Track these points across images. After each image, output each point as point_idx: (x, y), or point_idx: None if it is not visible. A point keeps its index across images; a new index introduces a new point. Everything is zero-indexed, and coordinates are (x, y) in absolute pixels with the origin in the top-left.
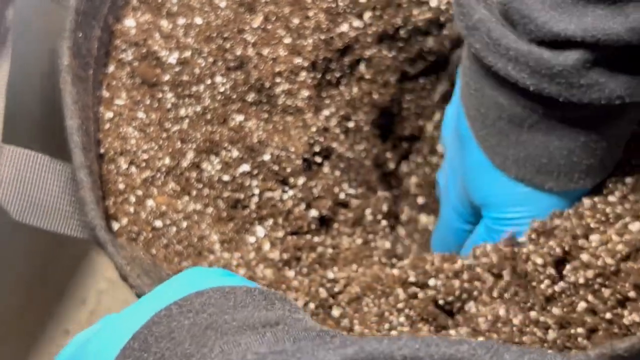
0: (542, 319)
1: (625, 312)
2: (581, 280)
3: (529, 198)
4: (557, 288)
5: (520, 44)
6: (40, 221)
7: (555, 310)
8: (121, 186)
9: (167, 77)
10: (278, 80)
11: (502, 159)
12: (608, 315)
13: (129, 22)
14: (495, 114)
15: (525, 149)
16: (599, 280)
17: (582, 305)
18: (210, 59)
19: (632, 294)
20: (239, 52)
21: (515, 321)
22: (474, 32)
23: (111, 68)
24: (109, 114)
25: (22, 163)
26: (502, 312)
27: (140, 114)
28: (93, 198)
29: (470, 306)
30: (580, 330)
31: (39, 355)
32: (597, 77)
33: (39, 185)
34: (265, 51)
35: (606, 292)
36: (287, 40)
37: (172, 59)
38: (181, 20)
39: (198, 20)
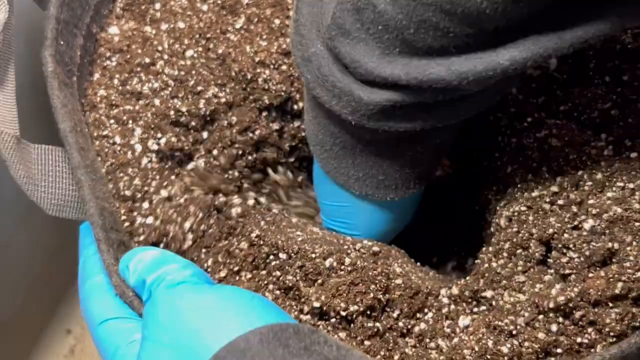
0: None
1: None
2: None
3: (364, 207)
4: None
5: (345, 84)
6: (73, 213)
7: None
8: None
9: (154, 82)
10: (259, 70)
11: (345, 178)
12: None
13: (113, 30)
14: (330, 140)
15: (362, 169)
16: None
17: None
18: (196, 60)
19: None
20: (221, 50)
21: None
22: (308, 64)
23: (96, 75)
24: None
25: (51, 159)
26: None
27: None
28: (92, 196)
29: None
30: None
31: (39, 355)
32: (407, 114)
33: (67, 179)
34: (248, 48)
35: None
36: (270, 38)
37: (159, 65)
38: (164, 26)
39: (181, 25)
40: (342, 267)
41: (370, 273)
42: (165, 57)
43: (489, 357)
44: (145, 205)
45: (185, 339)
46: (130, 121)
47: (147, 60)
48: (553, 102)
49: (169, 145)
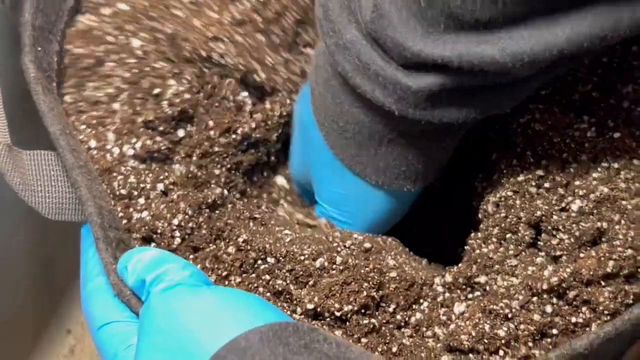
0: None
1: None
2: None
3: (374, 196)
4: None
5: (389, 71)
6: (73, 215)
7: None
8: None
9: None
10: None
11: (362, 167)
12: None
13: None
14: (355, 129)
15: (385, 160)
16: None
17: None
18: (146, 48)
19: None
20: (169, 30)
21: None
22: (345, 51)
23: (68, 82)
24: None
25: (43, 164)
26: None
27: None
28: (89, 195)
29: None
30: None
31: (39, 355)
32: (454, 101)
33: (63, 182)
34: (197, 22)
35: None
36: (221, 7)
37: (107, 67)
38: (106, 10)
39: (122, 6)
40: (334, 266)
41: (363, 271)
42: (113, 56)
43: (486, 341)
44: (142, 201)
45: (181, 340)
46: (100, 127)
47: (93, 61)
48: None
49: (145, 149)
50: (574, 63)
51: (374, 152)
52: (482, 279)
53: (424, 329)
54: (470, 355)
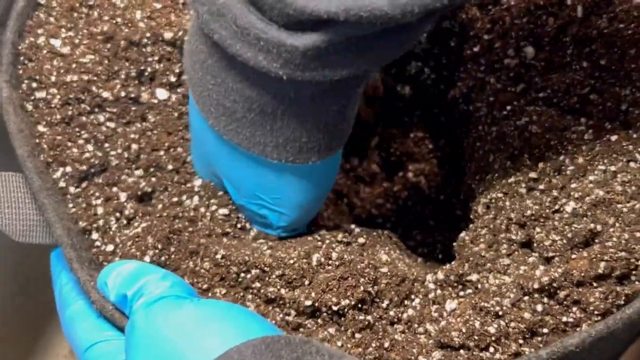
0: None
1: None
2: None
3: (284, 178)
4: None
5: (271, 33)
6: (41, 238)
7: None
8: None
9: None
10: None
11: (261, 147)
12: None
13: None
14: (244, 107)
15: (283, 134)
16: None
17: None
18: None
19: None
20: (106, 27)
21: None
22: (219, 18)
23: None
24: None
25: (14, 186)
26: None
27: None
28: (57, 218)
29: None
30: None
31: (39, 355)
32: (343, 55)
33: (31, 204)
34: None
35: None
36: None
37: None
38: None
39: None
40: (330, 262)
41: (359, 266)
42: (48, 78)
43: (476, 337)
44: (100, 234)
45: (168, 358)
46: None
47: (34, 78)
48: (532, 90)
49: (74, 169)
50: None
51: (270, 128)
52: (474, 276)
53: (416, 325)
54: (461, 351)
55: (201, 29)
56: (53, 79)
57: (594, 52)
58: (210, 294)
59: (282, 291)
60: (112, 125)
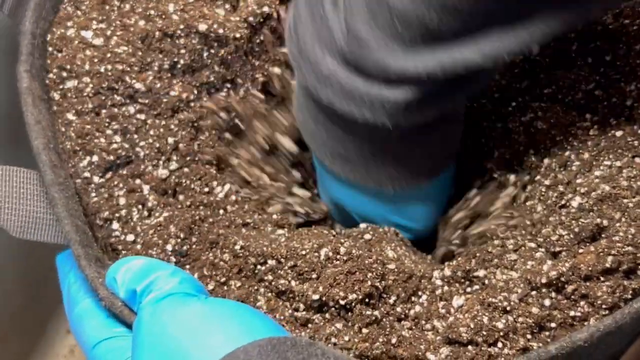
0: None
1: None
2: None
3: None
4: None
5: (374, 91)
6: (39, 235)
7: None
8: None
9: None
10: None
11: (376, 180)
12: None
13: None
14: (356, 152)
15: (394, 167)
16: None
17: None
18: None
19: None
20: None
21: None
22: (326, 82)
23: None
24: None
25: (16, 181)
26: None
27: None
28: (67, 213)
29: None
30: None
31: (39, 355)
32: (441, 99)
33: (32, 201)
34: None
35: None
36: None
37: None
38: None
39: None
40: (338, 256)
41: (367, 261)
42: (81, 67)
43: (484, 333)
44: (120, 224)
45: (173, 356)
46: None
47: (65, 67)
48: (537, 86)
49: (100, 158)
50: None
51: (380, 164)
52: (481, 272)
53: (423, 321)
54: (469, 347)
55: (309, 91)
56: (87, 67)
57: (599, 48)
58: (225, 287)
59: (293, 283)
60: (142, 117)
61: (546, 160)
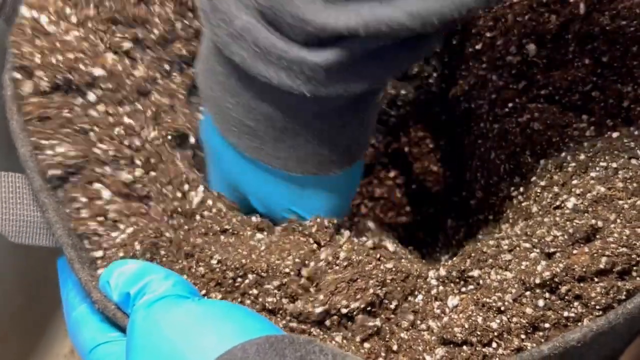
0: None
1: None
2: None
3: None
4: None
5: (293, 52)
6: (35, 239)
7: None
8: None
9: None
10: None
11: (283, 161)
12: None
13: None
14: (266, 124)
15: (304, 149)
16: None
17: None
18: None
19: None
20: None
21: None
22: (239, 40)
23: None
24: None
25: (10, 185)
26: None
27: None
28: (58, 218)
29: None
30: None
31: (39, 355)
32: (363, 68)
33: (26, 205)
34: None
35: None
36: None
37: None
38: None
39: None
40: (337, 262)
41: (367, 267)
42: None
43: (479, 333)
44: (88, 241)
45: (167, 358)
46: None
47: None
48: (534, 87)
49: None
50: None
51: (292, 144)
52: (475, 272)
53: (419, 322)
54: (464, 347)
55: (219, 51)
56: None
57: (596, 49)
58: (206, 298)
59: (284, 301)
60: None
61: (542, 161)
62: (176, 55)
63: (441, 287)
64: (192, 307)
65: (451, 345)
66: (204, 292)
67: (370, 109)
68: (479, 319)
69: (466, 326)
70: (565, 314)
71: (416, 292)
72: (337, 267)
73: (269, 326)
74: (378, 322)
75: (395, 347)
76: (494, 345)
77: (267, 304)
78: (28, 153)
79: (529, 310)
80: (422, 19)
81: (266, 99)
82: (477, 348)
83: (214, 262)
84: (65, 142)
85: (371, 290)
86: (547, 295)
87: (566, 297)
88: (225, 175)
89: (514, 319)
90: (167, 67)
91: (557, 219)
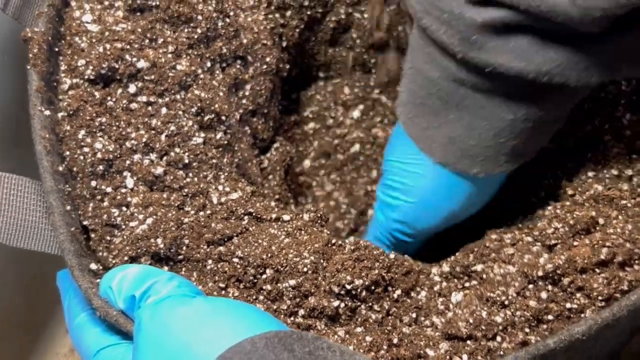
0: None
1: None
2: None
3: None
4: None
5: (456, 5)
6: (29, 244)
7: None
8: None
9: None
10: None
11: (429, 142)
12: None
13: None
14: (426, 91)
15: (453, 130)
16: None
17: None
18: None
19: None
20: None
21: None
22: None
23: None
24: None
25: (6, 187)
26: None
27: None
28: (63, 222)
29: None
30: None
31: (39, 355)
32: (521, 43)
33: (24, 209)
34: None
35: None
36: None
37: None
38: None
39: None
40: (346, 245)
41: (375, 252)
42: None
43: (483, 327)
44: (112, 237)
45: (176, 353)
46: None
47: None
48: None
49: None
50: None
51: (443, 120)
52: (479, 267)
53: (422, 318)
54: (468, 341)
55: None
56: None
57: None
58: (223, 293)
59: (296, 301)
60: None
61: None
62: (217, 54)
63: (444, 283)
64: (200, 304)
65: (455, 340)
66: (223, 285)
67: (532, 116)
68: (483, 314)
69: (470, 321)
70: (568, 305)
71: (418, 288)
72: (345, 250)
73: (277, 323)
74: (380, 316)
75: (395, 341)
76: (499, 339)
77: (282, 306)
78: (44, 151)
79: (532, 303)
80: (584, 9)
81: (431, 61)
82: (482, 342)
83: (235, 260)
84: (102, 137)
85: (377, 271)
86: (549, 287)
87: (568, 289)
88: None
89: (518, 313)
90: (209, 64)
91: (558, 211)
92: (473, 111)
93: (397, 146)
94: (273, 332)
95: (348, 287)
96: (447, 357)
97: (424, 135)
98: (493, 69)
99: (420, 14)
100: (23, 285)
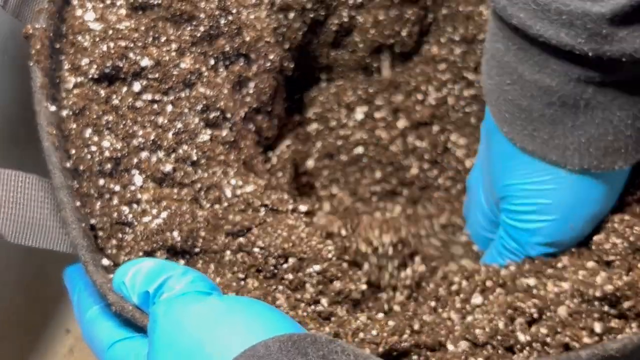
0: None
1: None
2: None
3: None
4: None
5: (574, 4)
6: (35, 241)
7: None
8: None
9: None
10: None
11: (559, 152)
12: None
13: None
14: (543, 102)
15: (586, 132)
16: None
17: None
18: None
19: None
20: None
21: None
22: (517, 0)
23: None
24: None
25: (13, 185)
26: None
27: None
28: (74, 218)
29: None
30: None
31: (39, 355)
32: None
33: (31, 206)
34: None
35: None
36: None
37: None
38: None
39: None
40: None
41: (403, 222)
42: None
43: (500, 337)
44: (119, 227)
45: (189, 353)
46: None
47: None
48: None
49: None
50: None
51: (571, 125)
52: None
53: (440, 309)
54: (487, 347)
55: (499, 19)
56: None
57: None
58: (243, 283)
59: (320, 288)
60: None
61: None
62: (221, 52)
63: (465, 282)
64: (214, 303)
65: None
66: (242, 275)
67: None
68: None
69: (487, 330)
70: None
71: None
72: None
73: (293, 324)
74: (403, 297)
75: (417, 327)
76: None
77: (305, 296)
78: (53, 147)
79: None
80: None
81: (544, 70)
82: (500, 351)
83: (256, 250)
84: (109, 135)
85: (404, 232)
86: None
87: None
88: (490, 170)
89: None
90: (212, 62)
91: (617, 224)
92: (605, 106)
93: (514, 168)
94: (287, 335)
95: (375, 243)
96: (463, 357)
97: (551, 147)
98: (629, 56)
99: (530, 22)
100: (23, 285)
